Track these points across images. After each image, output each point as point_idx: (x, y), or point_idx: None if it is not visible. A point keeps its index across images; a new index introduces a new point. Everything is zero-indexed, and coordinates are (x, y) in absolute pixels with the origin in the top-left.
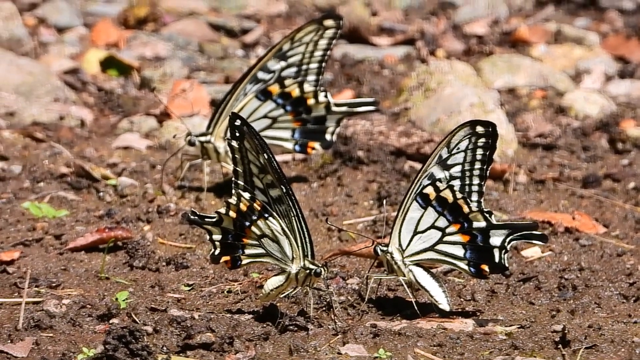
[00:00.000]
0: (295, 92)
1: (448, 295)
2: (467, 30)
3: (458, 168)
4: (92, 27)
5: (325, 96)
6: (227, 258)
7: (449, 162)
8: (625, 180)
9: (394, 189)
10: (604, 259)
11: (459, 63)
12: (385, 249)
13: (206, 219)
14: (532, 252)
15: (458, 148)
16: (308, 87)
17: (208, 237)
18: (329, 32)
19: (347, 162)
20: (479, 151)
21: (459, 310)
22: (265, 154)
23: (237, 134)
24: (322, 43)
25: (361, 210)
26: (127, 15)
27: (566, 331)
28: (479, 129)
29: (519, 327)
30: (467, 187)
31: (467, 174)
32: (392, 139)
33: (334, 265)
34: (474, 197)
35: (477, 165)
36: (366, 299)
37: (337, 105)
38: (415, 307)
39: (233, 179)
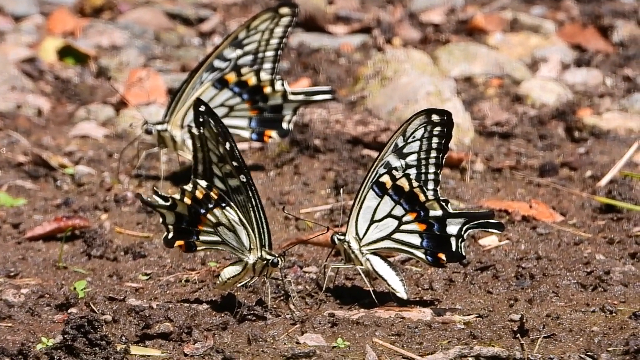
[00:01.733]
0: (252, 80)
1: (405, 284)
2: (423, 19)
3: (414, 157)
4: (49, 15)
5: (282, 85)
6: (181, 242)
7: (405, 150)
8: (582, 169)
9: (350, 178)
10: (561, 247)
11: (416, 52)
12: (342, 237)
13: (160, 202)
14: (490, 240)
15: (414, 137)
16: (264, 76)
17: (161, 220)
18: (285, 20)
19: (304, 150)
20: (435, 140)
21: (417, 299)
22: (227, 143)
23: (201, 120)
24: (278, 31)
25: (318, 198)
26: (84, 4)
27: (524, 320)
28: (435, 117)
29: (477, 316)
30: (423, 176)
31: (423, 162)
32: (349, 128)
33: (291, 254)
34: (430, 185)
35: (433, 153)
36: (324, 288)
37: (293, 93)
38: (373, 296)
39: (192, 166)
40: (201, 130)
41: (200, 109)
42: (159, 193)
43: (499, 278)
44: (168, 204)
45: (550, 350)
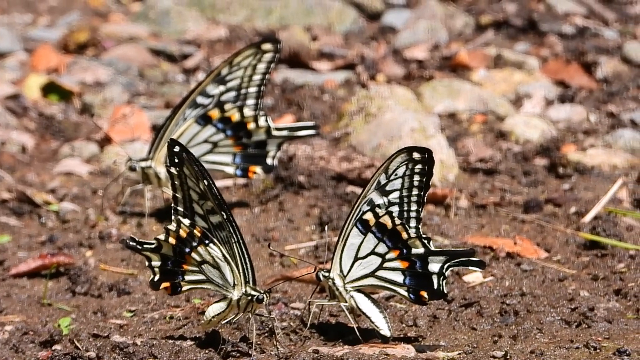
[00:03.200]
0: (235, 116)
1: (389, 321)
2: (407, 55)
3: (396, 194)
4: (33, 52)
5: (266, 120)
6: (167, 284)
7: (388, 188)
8: (566, 205)
9: (335, 214)
10: (545, 284)
11: (400, 88)
12: (327, 274)
13: (145, 245)
14: (474, 277)
15: (396, 174)
16: (248, 112)
17: (147, 263)
18: (267, 56)
19: (288, 187)
20: (416, 177)
21: (401, 336)
22: (205, 181)
23: (176, 160)
24: (261, 67)
25: (303, 235)
26: (68, 41)
27: (508, 357)
28: (416, 155)
29: (461, 353)
30: (405, 213)
31: (405, 200)
32: (333, 164)
33: (276, 290)
34: (412, 223)
35: (415, 191)
36: (308, 325)
37: (277, 129)
38: (357, 333)
39: (172, 205)
40: (178, 170)
41: (174, 149)
42: (135, 239)
43: (483, 314)
44: (153, 246)
45: None
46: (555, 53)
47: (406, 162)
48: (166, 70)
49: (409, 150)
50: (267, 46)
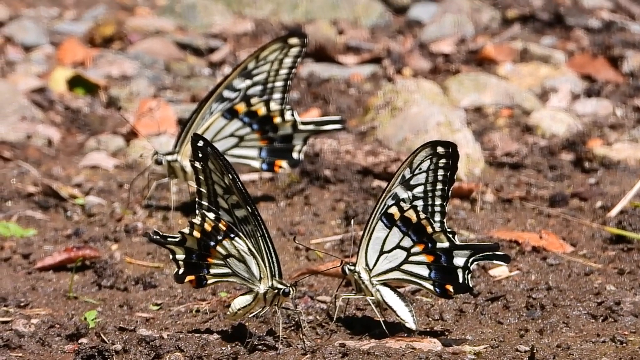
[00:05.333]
0: (262, 110)
1: (415, 315)
2: (433, 49)
3: (420, 188)
4: (59, 45)
5: (292, 114)
6: (192, 277)
7: (412, 182)
8: (592, 199)
9: (361, 208)
10: (571, 278)
11: (426, 82)
12: (352, 268)
13: (169, 239)
14: (500, 271)
15: (420, 169)
16: (274, 106)
17: (171, 256)
18: (294, 51)
19: (314, 181)
20: (440, 172)
21: (428, 329)
22: (229, 175)
23: (200, 155)
24: (287, 61)
25: (329, 229)
26: (94, 34)
27: (535, 351)
28: (440, 149)
29: (487, 347)
30: (429, 208)
31: (430, 194)
32: (359, 158)
33: (302, 284)
34: (437, 217)
35: (439, 185)
36: (335, 318)
37: (303, 123)
38: (384, 327)
39: (197, 199)
40: (202, 164)
41: (198, 144)
42: (159, 233)
43: (510, 308)
44: (177, 239)
45: None
46: (581, 47)
47: (430, 157)
48: (192, 64)
49: (433, 144)
50: (293, 40)
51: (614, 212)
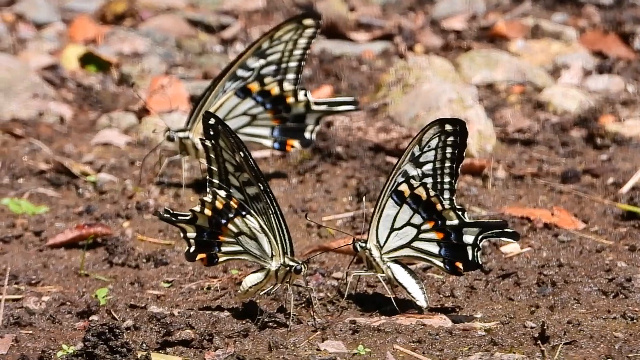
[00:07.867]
0: (275, 90)
1: (425, 292)
2: (445, 26)
3: (430, 166)
4: (70, 23)
5: (305, 95)
6: (203, 255)
7: (421, 159)
8: (604, 176)
9: (372, 185)
10: (583, 254)
11: (437, 58)
12: (364, 245)
13: (179, 217)
14: (511, 248)
15: (429, 146)
16: (287, 86)
17: (182, 235)
18: (309, 32)
19: (326, 158)
20: (449, 149)
21: (438, 306)
22: (241, 152)
23: (212, 133)
24: (302, 42)
25: (340, 206)
26: (105, 11)
27: (545, 327)
28: (448, 127)
29: (498, 323)
30: (439, 185)
31: (439, 171)
32: (371, 135)
33: (313, 261)
34: (446, 194)
35: (447, 163)
36: (345, 295)
37: (316, 104)
38: (394, 304)
39: (208, 177)
40: (213, 142)
41: (210, 121)
42: (170, 211)
43: (521, 285)
44: (188, 217)
45: (570, 357)
46: (593, 24)
47: (439, 134)
48: (204, 41)
49: (441, 122)
50: (308, 21)
51: (625, 188)
